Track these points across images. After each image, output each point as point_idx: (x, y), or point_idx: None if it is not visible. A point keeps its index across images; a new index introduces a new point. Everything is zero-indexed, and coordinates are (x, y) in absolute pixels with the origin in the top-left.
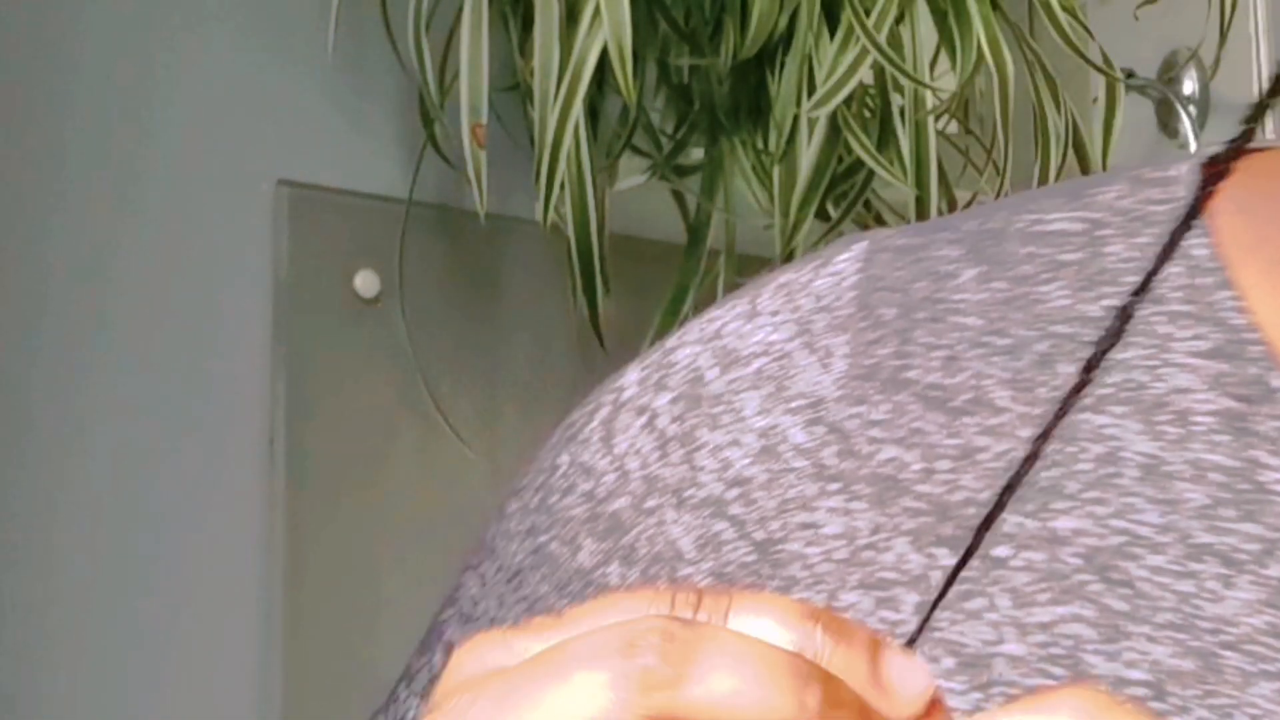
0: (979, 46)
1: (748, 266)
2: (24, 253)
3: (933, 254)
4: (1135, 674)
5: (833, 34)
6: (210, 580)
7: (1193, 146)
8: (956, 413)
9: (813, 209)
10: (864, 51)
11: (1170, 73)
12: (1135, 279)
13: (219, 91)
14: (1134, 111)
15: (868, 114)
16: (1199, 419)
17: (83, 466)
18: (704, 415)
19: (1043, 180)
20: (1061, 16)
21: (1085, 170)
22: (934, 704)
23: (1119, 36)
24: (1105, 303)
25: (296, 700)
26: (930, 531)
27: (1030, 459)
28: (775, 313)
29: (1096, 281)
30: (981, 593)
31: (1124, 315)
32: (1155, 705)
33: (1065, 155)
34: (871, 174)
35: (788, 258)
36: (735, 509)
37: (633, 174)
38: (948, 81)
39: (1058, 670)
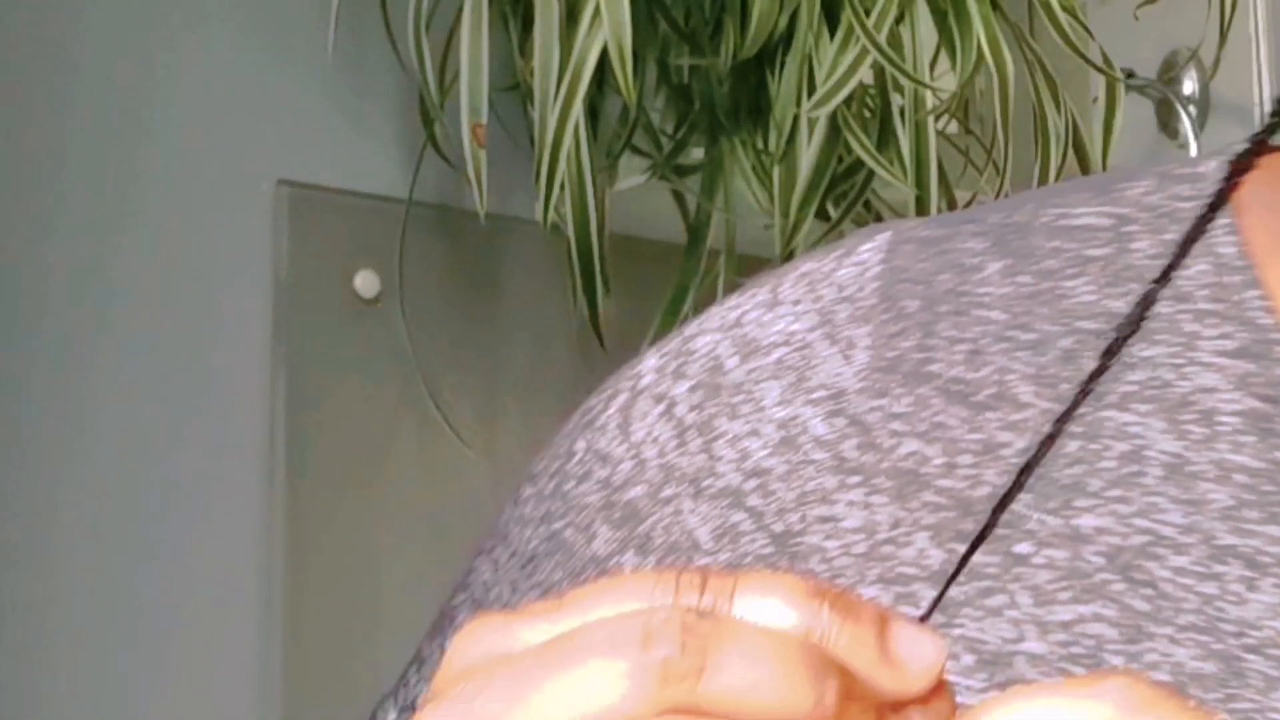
0: (979, 46)
1: (748, 266)
2: (24, 253)
3: (957, 246)
4: (1157, 676)
5: (833, 34)
6: (210, 579)
7: (1193, 146)
8: (979, 407)
9: (813, 209)
10: (864, 51)
11: (1170, 73)
12: (1162, 275)
13: (219, 91)
14: (1134, 111)
15: (868, 114)
16: (1224, 419)
17: (83, 466)
18: (723, 404)
19: (1043, 180)
20: (1061, 16)
21: (1085, 170)
22: (939, 684)
23: (1119, 36)
24: (1131, 299)
25: (296, 700)
26: (951, 527)
27: (1049, 439)
28: (797, 302)
29: (1123, 278)
30: (1002, 589)
31: (1145, 302)
32: None
33: (1065, 155)
34: (871, 174)
35: (787, 258)
36: (753, 500)
37: (633, 174)
38: (948, 81)
39: (1078, 670)
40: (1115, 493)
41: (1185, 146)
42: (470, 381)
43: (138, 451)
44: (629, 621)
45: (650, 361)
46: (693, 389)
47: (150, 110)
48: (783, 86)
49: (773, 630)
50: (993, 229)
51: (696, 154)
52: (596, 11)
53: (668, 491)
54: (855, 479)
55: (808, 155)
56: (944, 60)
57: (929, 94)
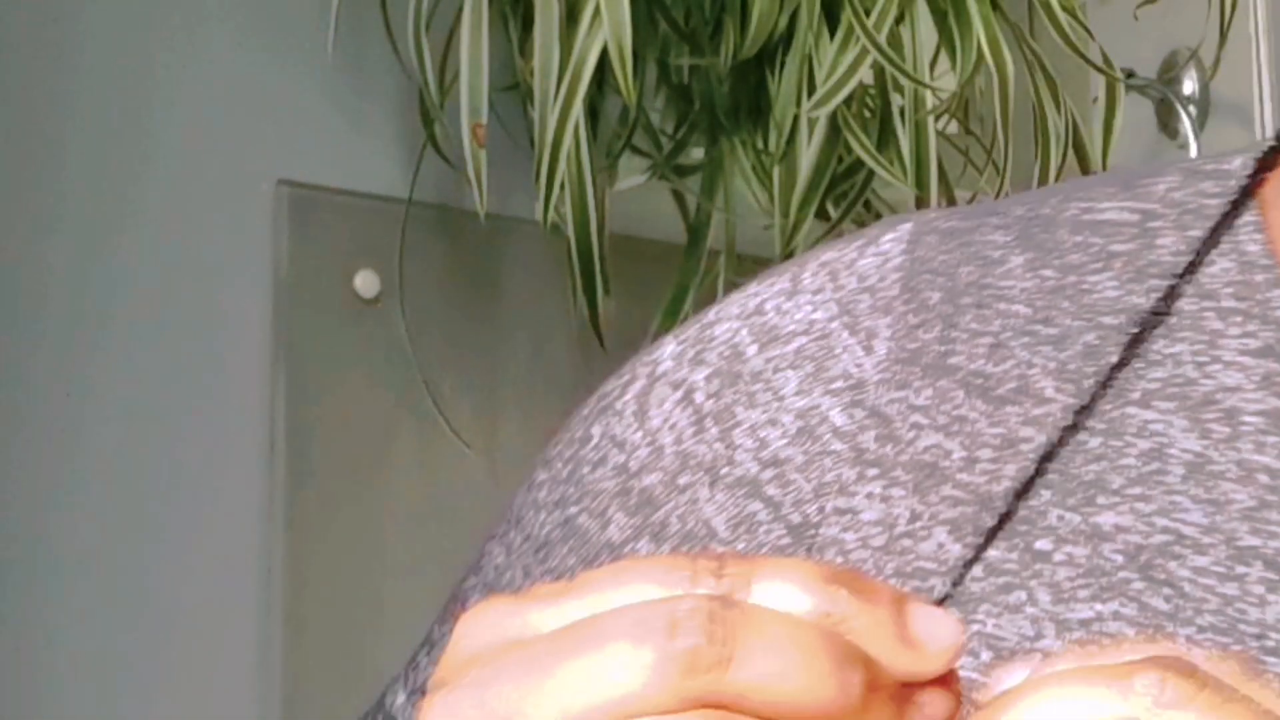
0: (979, 46)
1: (748, 266)
2: (24, 253)
3: (980, 238)
4: None
5: (833, 34)
6: (210, 580)
7: (1193, 146)
8: (1000, 401)
9: (813, 209)
10: (864, 51)
11: (1170, 73)
12: (1186, 272)
13: (219, 91)
14: (1134, 111)
15: (868, 114)
16: (1247, 418)
17: (83, 466)
18: (741, 392)
19: (1043, 180)
20: (1061, 16)
21: (1085, 170)
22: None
23: (1119, 36)
24: (1155, 295)
25: (296, 700)
26: (970, 521)
27: (1070, 430)
28: (818, 291)
29: (1147, 273)
30: (1021, 586)
31: (1169, 297)
32: None
33: (1065, 155)
34: (871, 174)
35: (787, 258)
36: (771, 490)
37: (633, 174)
38: (948, 81)
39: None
40: (1136, 491)
41: (1185, 146)
42: (470, 381)
43: (138, 451)
44: (653, 609)
45: (669, 347)
46: (711, 376)
47: (150, 110)
48: (783, 86)
49: (797, 619)
50: (1017, 222)
51: (696, 154)
52: (596, 11)
53: (684, 479)
54: (874, 471)
55: (808, 155)
56: (944, 60)
57: (929, 94)
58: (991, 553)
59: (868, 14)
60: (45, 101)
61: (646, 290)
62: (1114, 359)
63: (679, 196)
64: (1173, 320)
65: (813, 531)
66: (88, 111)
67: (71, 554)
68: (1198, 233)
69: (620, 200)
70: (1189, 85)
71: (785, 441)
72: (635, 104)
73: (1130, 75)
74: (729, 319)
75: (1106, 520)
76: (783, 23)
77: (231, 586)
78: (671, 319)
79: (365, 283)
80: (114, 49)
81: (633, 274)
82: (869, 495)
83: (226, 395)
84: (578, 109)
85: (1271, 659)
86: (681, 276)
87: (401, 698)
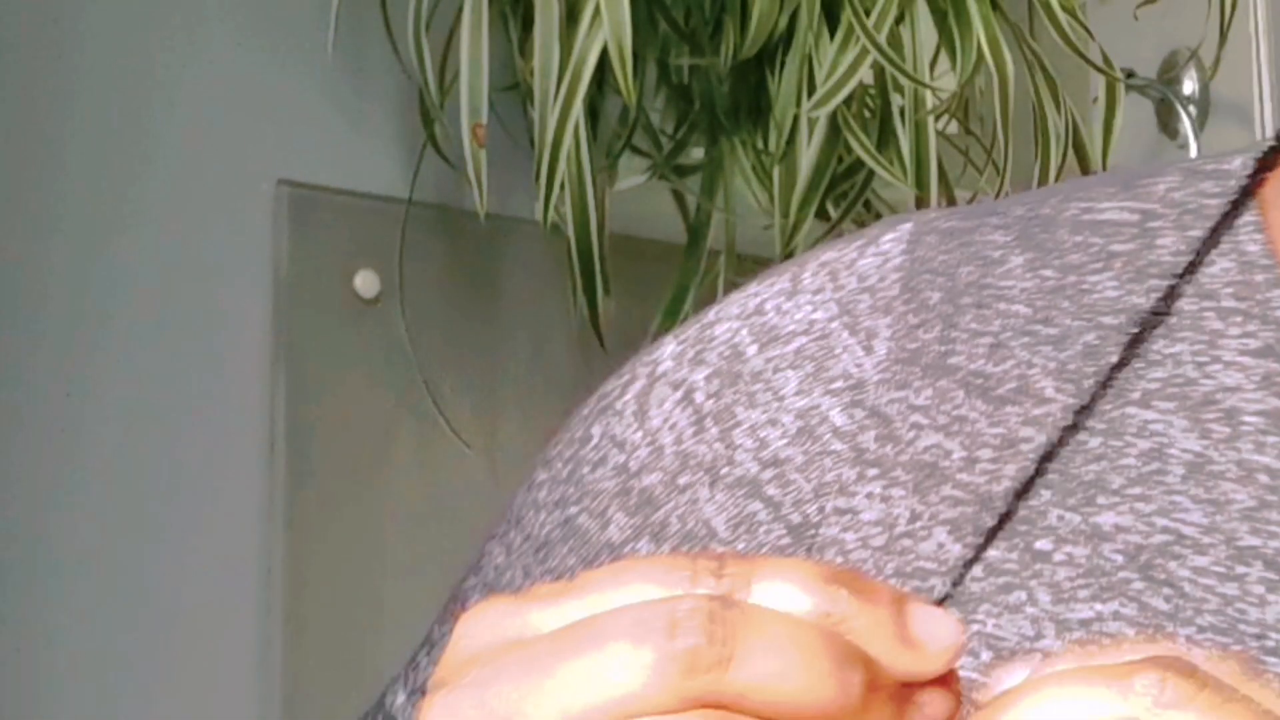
0: (979, 46)
1: (748, 266)
2: (24, 252)
3: (980, 238)
4: None
5: (833, 34)
6: (210, 580)
7: (1193, 146)
8: (1000, 401)
9: (813, 209)
10: (864, 51)
11: (1170, 73)
12: (1186, 272)
13: (219, 91)
14: (1134, 111)
15: (868, 114)
16: (1247, 419)
17: (82, 466)
18: (741, 392)
19: (1043, 180)
20: (1061, 16)
21: (1085, 170)
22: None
23: (1119, 36)
24: (1155, 295)
25: (296, 700)
26: (970, 521)
27: (1071, 429)
28: (818, 291)
29: (1147, 273)
30: (1021, 586)
31: (1169, 297)
32: None
33: (1065, 155)
34: (871, 174)
35: (787, 258)
36: (771, 490)
37: (633, 174)
38: (948, 81)
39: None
40: (1136, 491)
41: (1185, 146)
42: (470, 381)
43: (138, 451)
44: (653, 609)
45: (669, 347)
46: (711, 376)
47: (150, 110)
48: (783, 86)
49: (797, 619)
50: (1016, 222)
51: (696, 154)
52: (596, 11)
53: (684, 479)
54: (874, 471)
55: (808, 155)
56: (944, 60)
57: (929, 94)
58: (991, 553)
59: (868, 14)
60: (45, 101)
61: (646, 290)
62: (1114, 359)
63: (679, 196)
64: (1173, 320)
65: (813, 531)
66: (88, 111)
67: (71, 554)
68: (1198, 233)
69: (620, 200)
70: (1189, 85)
71: (785, 441)
72: (635, 104)
73: (1130, 75)
74: (729, 319)
75: (1106, 520)
76: (783, 23)
77: (231, 586)
78: (671, 319)
79: (365, 283)
80: (114, 49)
81: (633, 274)
82: (869, 495)
83: (226, 395)
84: (578, 109)
85: (1271, 659)
86: (681, 276)
87: (401, 698)
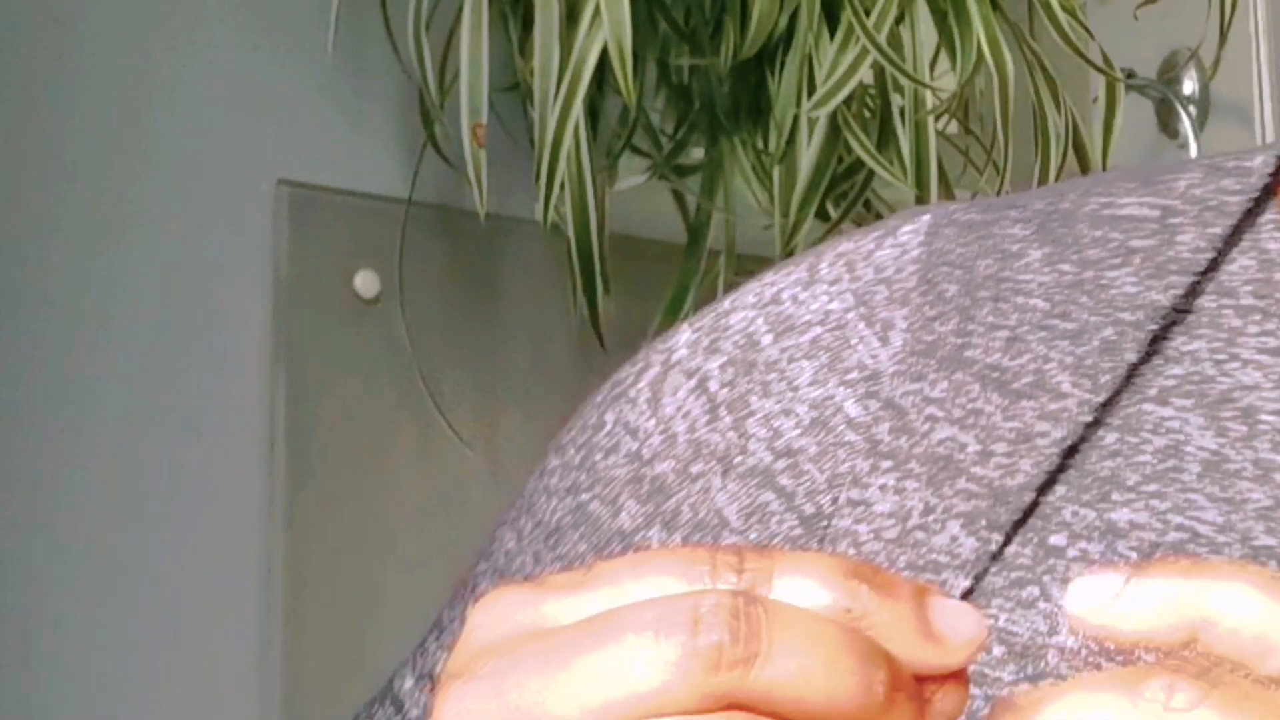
0: (979, 46)
1: (747, 266)
2: (25, 252)
3: (999, 232)
4: None
5: (833, 34)
6: (210, 580)
7: (1193, 146)
8: (1017, 395)
9: (813, 209)
10: (864, 51)
11: (1170, 73)
12: (1206, 269)
13: (219, 91)
14: (1134, 111)
15: (868, 114)
16: (1265, 417)
17: (83, 466)
18: (756, 382)
19: (1043, 180)
20: (1061, 16)
21: (1085, 170)
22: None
23: (1119, 36)
24: (1174, 292)
25: (296, 700)
26: (984, 515)
27: (1094, 425)
28: (835, 281)
29: (1166, 270)
30: (1035, 581)
31: (1190, 294)
32: None
33: (1065, 155)
34: (871, 174)
35: (787, 258)
36: (784, 480)
37: (633, 174)
38: (948, 81)
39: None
40: (1152, 488)
41: (1185, 146)
42: (470, 381)
43: (138, 451)
44: (675, 604)
45: (684, 335)
46: (725, 365)
47: (150, 110)
48: (783, 86)
49: (820, 617)
50: (1036, 216)
51: (696, 154)
52: (596, 11)
53: (697, 468)
54: (888, 463)
55: (808, 155)
56: (944, 60)
57: (929, 94)
58: (1006, 547)
59: (868, 14)
60: (45, 101)
61: (646, 290)
62: (1132, 355)
63: (679, 196)
64: (1191, 317)
65: (825, 522)
66: (88, 111)
67: (72, 554)
68: (1218, 230)
69: (620, 200)
70: (1189, 85)
71: (799, 432)
72: (635, 104)
73: (1130, 75)
74: (744, 308)
75: (1121, 517)
76: (783, 23)
77: (231, 586)
78: (671, 319)
79: (365, 283)
80: (114, 49)
81: (633, 274)
82: (883, 487)
83: (226, 395)
84: (578, 109)
85: None
86: (681, 276)
87: (410, 682)
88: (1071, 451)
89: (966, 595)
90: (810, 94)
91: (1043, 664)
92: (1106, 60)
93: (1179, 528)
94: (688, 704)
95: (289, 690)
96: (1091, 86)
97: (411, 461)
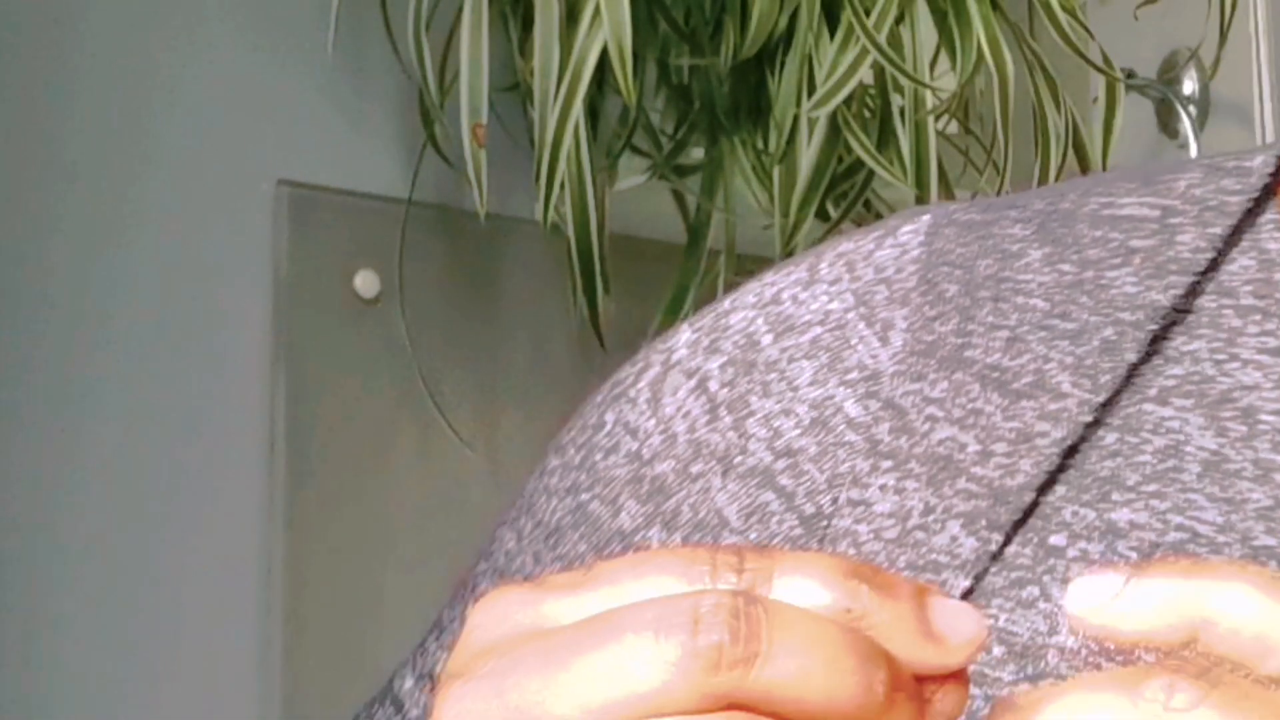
0: (979, 46)
1: (747, 266)
2: (25, 253)
3: (999, 232)
4: None
5: (833, 34)
6: (210, 580)
7: (1193, 146)
8: (1017, 395)
9: (813, 209)
10: (864, 51)
11: (1170, 73)
12: (1206, 269)
13: (219, 91)
14: (1134, 111)
15: (868, 114)
16: (1265, 417)
17: (83, 466)
18: (756, 382)
19: (1043, 180)
20: (1061, 16)
21: (1085, 170)
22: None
23: (1119, 36)
24: (1174, 292)
25: (296, 700)
26: (984, 515)
27: (1094, 425)
28: (835, 281)
29: (1166, 270)
30: (1034, 581)
31: (1190, 294)
32: None
33: (1065, 155)
34: (871, 174)
35: (787, 258)
36: (784, 480)
37: (633, 174)
38: (948, 81)
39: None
40: (1152, 488)
41: (1185, 146)
42: (470, 381)
43: (138, 451)
44: (675, 604)
45: (684, 335)
46: (725, 365)
47: (150, 110)
48: (783, 86)
49: (820, 617)
50: (1036, 216)
51: (696, 154)
52: (596, 11)
53: (697, 468)
54: (888, 463)
55: (808, 155)
56: (944, 60)
57: (929, 94)
58: (1006, 547)
59: (868, 14)
60: (46, 101)
61: (646, 290)
62: (1132, 355)
63: (679, 196)
64: (1191, 317)
65: (825, 522)
66: (88, 111)
67: (72, 554)
68: (1218, 230)
69: (620, 200)
70: (1189, 85)
71: (799, 432)
72: (635, 104)
73: (1130, 75)
74: (745, 308)
75: (1121, 517)
76: (783, 23)
77: (231, 586)
78: (671, 319)
79: (365, 283)
80: (114, 49)
81: (633, 274)
82: (883, 487)
83: (226, 396)
84: (578, 109)
85: None
86: (681, 276)
87: (410, 682)
88: (1071, 451)
89: (966, 595)
90: (810, 94)
91: (1043, 664)
92: (1106, 60)
93: (1179, 528)
94: (688, 704)
95: (289, 691)
96: (1091, 86)
97: (411, 461)
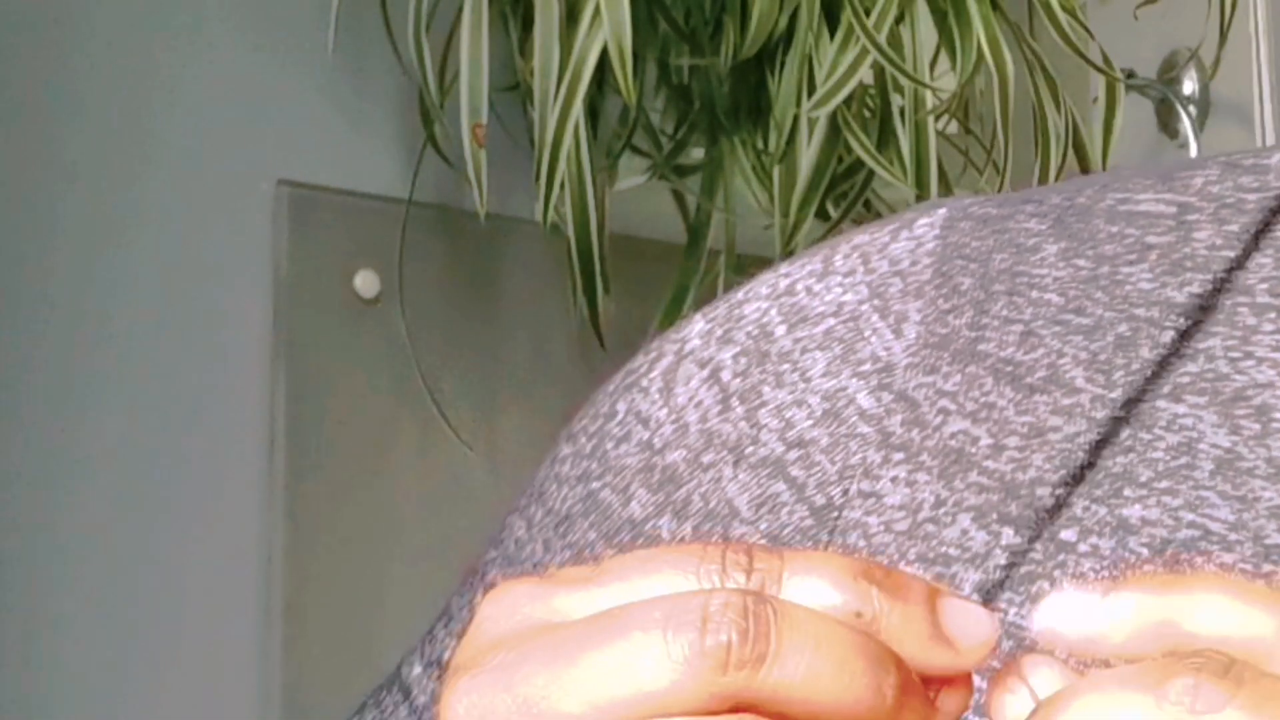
0: (979, 46)
1: (748, 266)
2: (25, 253)
3: (1015, 226)
4: None
5: (833, 34)
6: (210, 579)
7: (1193, 146)
8: (1030, 389)
9: (813, 209)
10: (864, 51)
11: (1170, 73)
12: (1222, 266)
13: (219, 91)
14: (1134, 111)
15: (868, 114)
16: (1279, 415)
17: (83, 466)
18: (768, 372)
19: (1043, 180)
20: (1061, 16)
21: (1085, 170)
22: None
23: (1119, 36)
24: (1190, 289)
25: (297, 700)
26: (995, 509)
27: (1116, 422)
28: (850, 273)
29: (1182, 266)
30: (1045, 576)
31: (1215, 291)
32: None
33: (1065, 155)
34: (871, 174)
35: (787, 258)
36: (795, 471)
37: (633, 174)
38: (948, 81)
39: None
40: (1164, 484)
41: (1185, 146)
42: (470, 381)
43: (138, 451)
44: (684, 602)
45: (697, 325)
46: (738, 355)
47: (150, 110)
48: (783, 86)
49: (830, 619)
50: (1052, 210)
51: (696, 154)
52: (596, 11)
53: (708, 457)
54: (900, 455)
55: (808, 155)
56: (944, 60)
57: (929, 94)
58: (1016, 541)
59: (868, 14)
60: (46, 101)
61: (646, 290)
62: (1146, 351)
63: (679, 196)
64: (1207, 314)
65: (836, 514)
66: (88, 111)
67: (72, 554)
68: (1235, 227)
69: (620, 200)
70: (1189, 85)
71: (811, 423)
72: (635, 104)
73: (1130, 75)
74: (758, 298)
75: (1133, 513)
76: (783, 23)
77: (231, 586)
78: (671, 319)
79: (365, 283)
80: (114, 49)
81: (633, 274)
82: (894, 479)
83: (227, 396)
84: (578, 109)
85: None
86: (681, 276)
87: (418, 669)
88: (1084, 447)
89: (976, 589)
90: (810, 94)
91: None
92: (1106, 60)
93: (1191, 525)
94: (695, 703)
95: (289, 690)
96: (1091, 86)
97: (411, 461)
